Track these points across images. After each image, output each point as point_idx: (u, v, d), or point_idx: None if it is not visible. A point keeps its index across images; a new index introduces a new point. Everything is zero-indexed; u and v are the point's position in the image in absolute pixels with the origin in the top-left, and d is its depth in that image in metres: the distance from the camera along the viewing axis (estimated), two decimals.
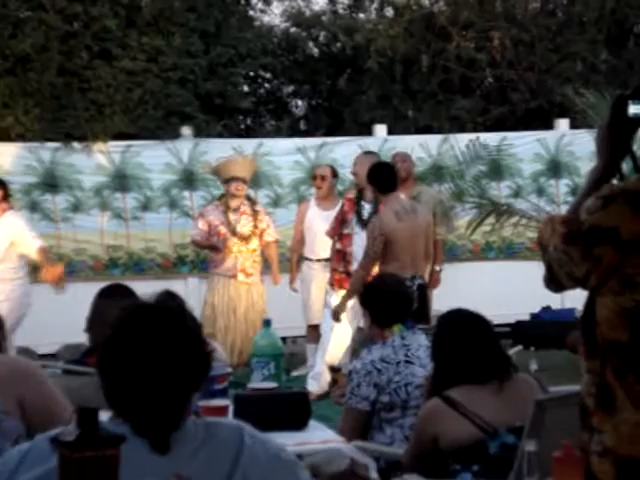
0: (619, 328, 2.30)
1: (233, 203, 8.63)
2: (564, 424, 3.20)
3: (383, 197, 7.41)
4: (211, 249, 8.71)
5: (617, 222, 2.28)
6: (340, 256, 7.88)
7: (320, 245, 8.63)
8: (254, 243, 8.64)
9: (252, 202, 8.87)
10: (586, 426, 2.38)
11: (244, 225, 8.60)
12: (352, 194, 8.06)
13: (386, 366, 4.52)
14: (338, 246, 7.92)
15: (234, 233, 8.53)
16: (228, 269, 8.51)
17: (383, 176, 7.43)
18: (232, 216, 8.60)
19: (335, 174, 8.94)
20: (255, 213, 8.72)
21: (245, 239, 8.53)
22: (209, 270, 8.90)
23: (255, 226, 8.64)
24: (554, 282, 2.44)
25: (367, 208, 7.84)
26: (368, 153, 8.45)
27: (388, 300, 4.76)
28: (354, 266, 7.64)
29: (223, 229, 8.54)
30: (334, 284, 7.91)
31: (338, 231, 7.93)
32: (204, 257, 9.79)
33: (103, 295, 4.80)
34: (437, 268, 8.40)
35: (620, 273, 2.28)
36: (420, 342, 4.66)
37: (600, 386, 2.35)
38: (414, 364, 4.55)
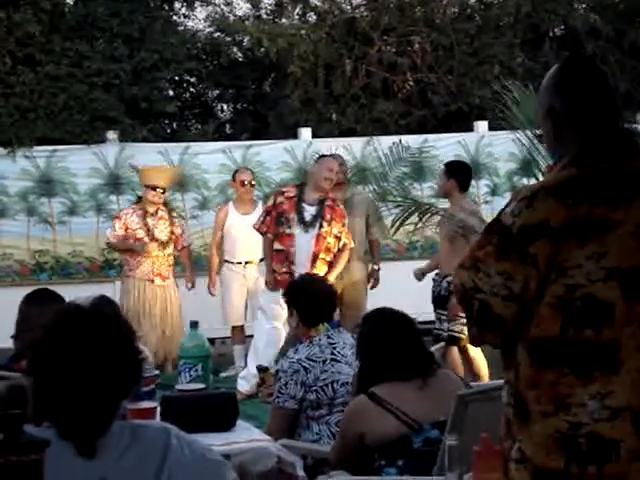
0: (551, 320, 2.31)
1: (150, 209, 8.65)
2: (486, 418, 3.26)
3: (460, 194, 7.49)
4: (127, 252, 8.69)
5: (545, 215, 2.31)
6: (282, 256, 7.69)
7: (241, 248, 8.70)
8: (170, 248, 8.69)
9: (169, 208, 8.91)
10: (509, 434, 2.41)
11: (162, 230, 8.62)
12: (291, 192, 7.84)
13: (313, 364, 4.55)
14: (278, 246, 7.71)
15: (153, 238, 8.54)
16: (145, 273, 8.51)
17: (468, 174, 7.57)
18: (150, 221, 8.61)
19: (253, 177, 9.02)
20: (172, 219, 8.77)
21: (163, 244, 8.56)
22: (124, 273, 8.81)
23: (172, 232, 8.68)
24: (490, 325, 2.37)
25: (309, 210, 7.72)
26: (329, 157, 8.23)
27: (315, 300, 4.80)
28: (296, 267, 7.56)
29: (141, 233, 8.55)
30: (272, 284, 7.74)
31: (273, 229, 7.72)
32: None
33: (29, 300, 4.76)
34: (376, 267, 8.54)
35: (555, 263, 2.30)
36: (346, 340, 4.70)
37: (515, 397, 2.39)
38: (340, 362, 4.59)
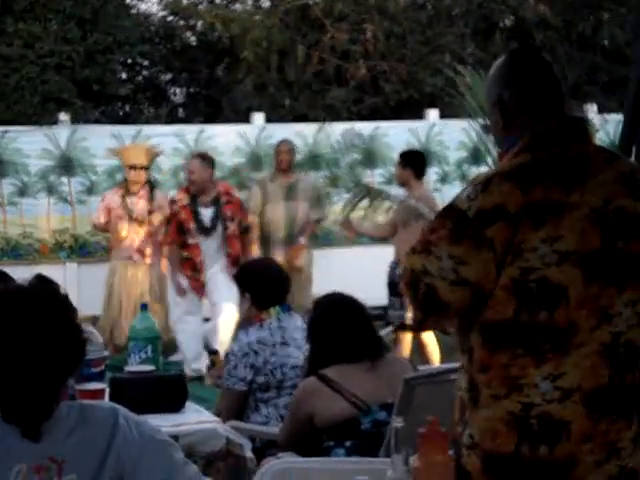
0: (505, 303, 2.31)
1: (132, 188, 8.61)
2: (432, 401, 3.30)
3: (417, 182, 7.64)
4: (108, 232, 8.69)
5: (502, 199, 2.31)
6: (190, 265, 7.87)
7: None
8: (148, 227, 8.63)
9: (152, 187, 8.82)
10: (462, 419, 2.41)
11: (141, 209, 8.56)
12: (183, 200, 7.88)
13: (263, 348, 4.55)
14: (186, 254, 7.85)
15: (130, 217, 8.49)
16: (125, 252, 8.46)
17: (421, 161, 7.73)
18: (129, 199, 8.56)
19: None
20: (151, 201, 8.68)
21: (140, 222, 8.50)
22: (110, 254, 8.78)
23: (151, 210, 8.59)
24: (433, 309, 2.38)
25: (205, 214, 7.79)
26: (203, 158, 8.08)
27: (266, 282, 4.80)
28: (205, 273, 7.79)
29: (120, 212, 8.50)
30: (180, 292, 7.98)
31: (177, 239, 7.86)
32: (83, 243, 9.78)
33: None
34: (302, 241, 8.54)
35: (512, 246, 2.31)
36: (296, 324, 4.72)
37: (469, 381, 2.39)
38: (290, 346, 4.60)
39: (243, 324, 4.99)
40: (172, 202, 7.96)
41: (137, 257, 8.45)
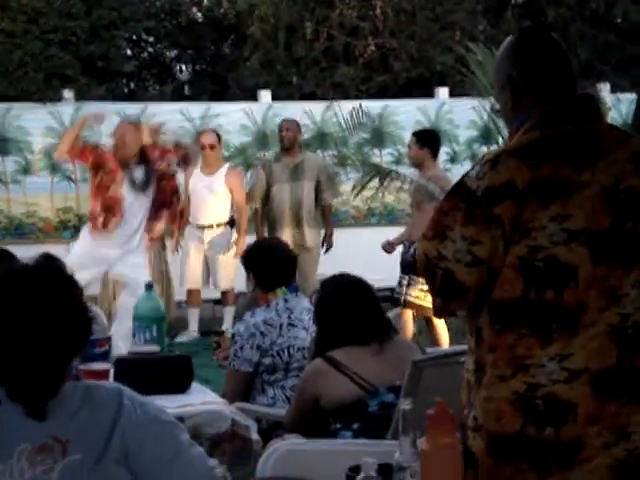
0: (513, 282, 2.31)
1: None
2: (440, 384, 3.30)
3: (432, 163, 7.57)
4: None
5: (510, 175, 2.31)
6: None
7: (200, 211, 8.64)
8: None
9: None
10: (467, 402, 2.42)
11: None
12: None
13: (269, 329, 4.53)
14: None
15: None
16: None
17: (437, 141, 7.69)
18: None
19: (220, 139, 8.91)
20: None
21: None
22: None
23: None
24: (453, 293, 2.37)
25: (138, 170, 7.50)
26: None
27: (272, 263, 4.76)
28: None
29: None
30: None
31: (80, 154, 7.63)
32: (86, 222, 9.67)
33: None
34: (329, 232, 8.57)
35: (520, 224, 2.30)
36: (303, 305, 4.69)
37: (476, 362, 2.39)
38: (297, 327, 4.58)
39: (249, 305, 4.96)
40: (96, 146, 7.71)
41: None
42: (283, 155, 8.52)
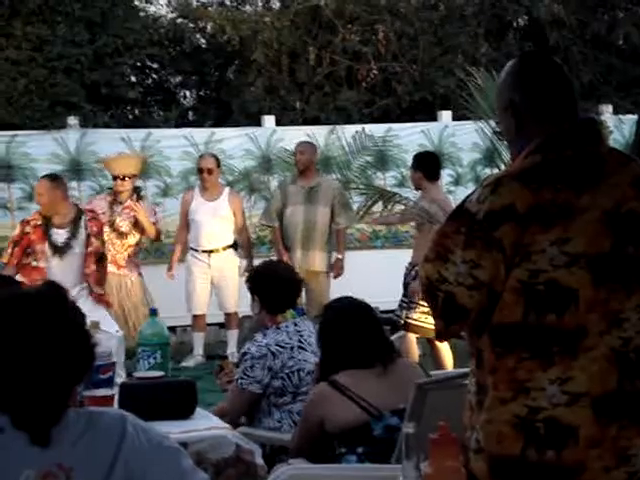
0: (513, 306, 2.32)
1: (120, 197, 8.57)
2: (444, 407, 3.28)
3: (429, 184, 7.54)
4: None
5: (511, 199, 2.32)
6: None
7: (205, 236, 8.66)
8: (131, 239, 8.55)
9: (139, 197, 8.77)
10: (469, 424, 2.42)
11: (124, 219, 8.49)
12: (37, 220, 7.18)
13: (281, 350, 4.51)
14: (21, 278, 6.93)
15: (112, 225, 8.42)
16: None
17: (435, 163, 7.65)
18: (115, 208, 8.51)
19: (218, 163, 8.93)
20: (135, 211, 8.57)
21: (121, 234, 8.40)
22: None
23: (135, 223, 8.52)
24: (454, 316, 2.37)
25: (60, 233, 7.15)
26: (52, 178, 7.34)
27: (278, 286, 4.74)
28: None
29: (103, 219, 8.42)
30: None
31: (20, 260, 7.18)
32: None
33: None
34: (340, 257, 8.57)
35: (521, 247, 2.31)
36: (311, 328, 4.68)
37: (478, 385, 2.40)
38: (307, 350, 4.57)
39: (257, 328, 4.94)
40: (24, 222, 7.35)
41: (111, 266, 8.34)
42: (299, 177, 8.55)
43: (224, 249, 8.68)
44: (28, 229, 7.20)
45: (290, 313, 4.69)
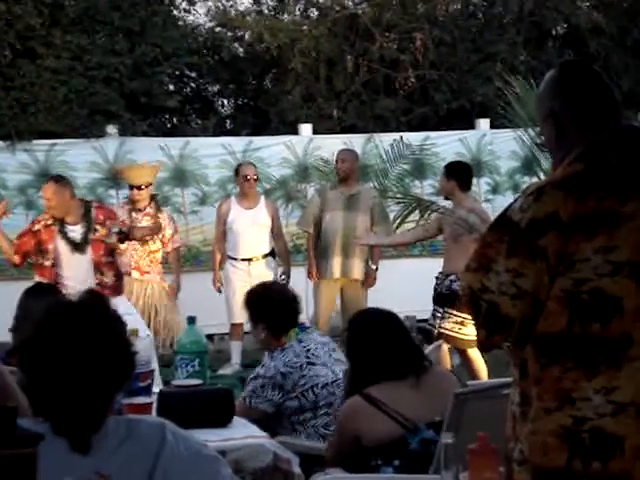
0: (558, 315, 2.31)
1: (138, 205, 8.60)
2: (482, 417, 3.28)
3: (462, 194, 7.46)
4: None
5: (554, 208, 2.31)
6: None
7: (243, 244, 8.67)
8: (153, 245, 8.56)
9: (158, 207, 8.77)
10: (513, 435, 2.40)
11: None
12: (48, 220, 7.07)
13: (290, 370, 4.52)
14: (38, 277, 6.97)
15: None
16: (123, 266, 8.32)
17: (468, 173, 7.60)
18: (135, 215, 8.53)
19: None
20: (156, 217, 8.56)
21: (142, 240, 8.39)
22: None
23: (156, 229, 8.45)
24: (498, 327, 2.35)
25: (76, 229, 7.03)
26: (57, 180, 7.22)
27: (280, 309, 4.72)
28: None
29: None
30: None
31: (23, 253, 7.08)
32: None
33: (27, 293, 4.78)
34: (373, 267, 8.53)
35: (565, 256, 2.30)
36: (317, 340, 4.69)
37: (521, 395, 2.39)
38: (316, 365, 4.56)
39: (264, 351, 4.90)
40: (34, 221, 7.28)
41: (135, 272, 8.39)
42: (339, 184, 8.54)
43: (263, 257, 8.70)
44: (38, 227, 7.11)
45: (294, 332, 4.68)
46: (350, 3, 12.48)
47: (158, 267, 8.67)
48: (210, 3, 12.67)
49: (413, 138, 10.54)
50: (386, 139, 10.46)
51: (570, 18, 12.49)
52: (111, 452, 2.19)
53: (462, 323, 7.13)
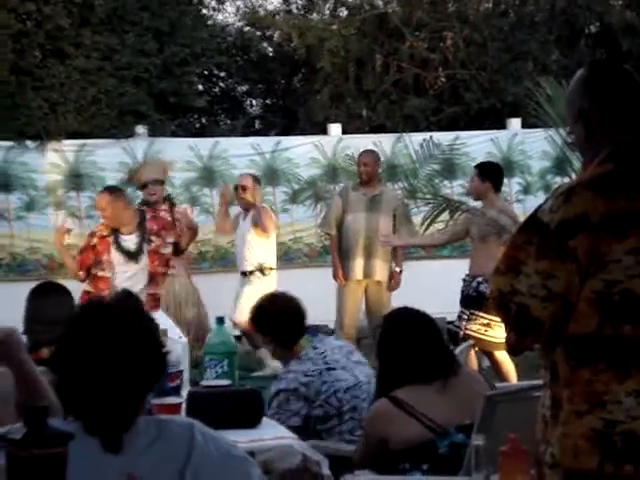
0: (588, 316, 2.29)
1: (151, 206, 8.53)
2: (513, 419, 3.25)
3: (495, 196, 7.41)
4: None
5: (584, 208, 2.29)
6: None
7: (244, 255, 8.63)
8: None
9: (172, 205, 8.70)
10: (543, 438, 2.39)
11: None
12: (103, 231, 7.06)
13: (311, 379, 4.45)
14: (88, 287, 7.01)
15: None
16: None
17: (501, 175, 7.55)
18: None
19: (258, 181, 8.87)
20: (172, 216, 8.50)
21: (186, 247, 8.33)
22: None
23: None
24: (528, 329, 2.33)
25: (131, 239, 7.00)
26: (112, 191, 7.27)
27: (287, 321, 4.62)
28: None
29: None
30: None
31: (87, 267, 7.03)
32: None
33: (33, 293, 4.78)
34: (397, 269, 8.48)
35: (596, 257, 2.28)
36: (331, 344, 4.63)
37: (552, 398, 2.37)
38: (336, 369, 4.49)
39: (282, 362, 4.84)
40: (91, 234, 7.20)
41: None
42: (361, 185, 8.49)
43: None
44: (95, 241, 7.09)
45: (305, 340, 4.62)
46: (380, 2, 12.48)
47: (183, 263, 8.64)
48: (239, 2, 12.72)
49: (443, 138, 10.53)
50: (416, 139, 10.43)
51: (603, 16, 12.42)
52: (142, 452, 2.19)
53: (488, 325, 7.08)
